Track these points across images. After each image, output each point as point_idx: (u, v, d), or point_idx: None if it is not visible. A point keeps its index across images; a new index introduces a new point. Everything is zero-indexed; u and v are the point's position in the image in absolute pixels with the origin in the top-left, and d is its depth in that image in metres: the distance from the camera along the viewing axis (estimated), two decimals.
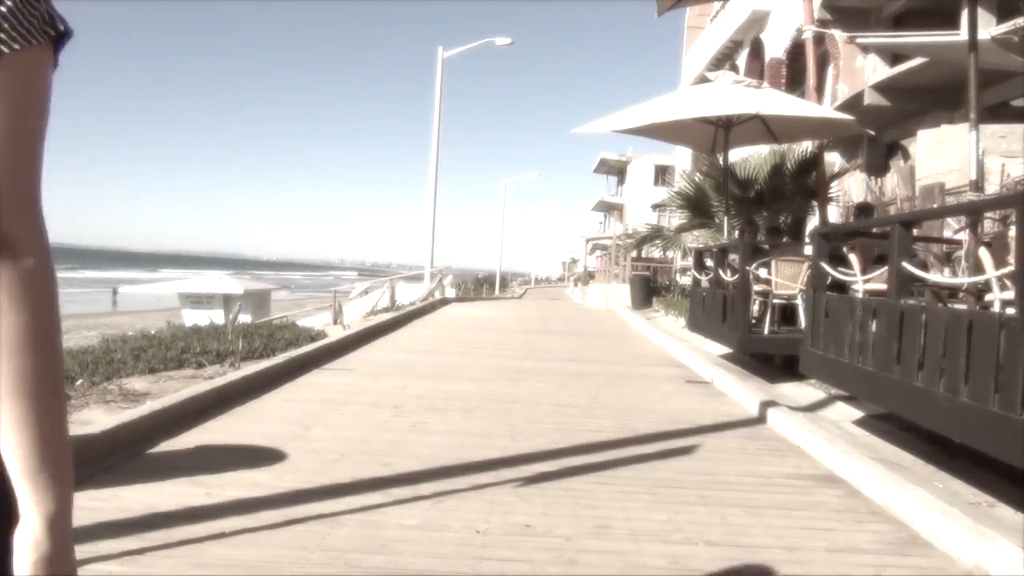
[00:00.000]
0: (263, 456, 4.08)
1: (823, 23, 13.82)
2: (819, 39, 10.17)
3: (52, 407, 0.76)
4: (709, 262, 9.19)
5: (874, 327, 4.51)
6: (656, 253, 20.39)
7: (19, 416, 0.74)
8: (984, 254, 3.93)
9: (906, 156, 14.13)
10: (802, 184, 12.74)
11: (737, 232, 9.82)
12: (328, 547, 2.88)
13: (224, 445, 4.32)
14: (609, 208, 54.50)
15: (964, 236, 4.72)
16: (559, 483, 3.81)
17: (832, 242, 5.95)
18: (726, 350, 8.67)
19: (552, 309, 20.39)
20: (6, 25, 0.74)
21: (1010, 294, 3.49)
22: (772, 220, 12.47)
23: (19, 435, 0.75)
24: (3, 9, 0.74)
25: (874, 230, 6.28)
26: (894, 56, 14.13)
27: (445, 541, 2.99)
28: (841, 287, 5.62)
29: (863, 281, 5.24)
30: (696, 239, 13.91)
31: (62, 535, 0.78)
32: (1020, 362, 3.06)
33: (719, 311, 8.17)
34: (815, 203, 11.69)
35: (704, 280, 9.24)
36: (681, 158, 30.22)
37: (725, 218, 10.78)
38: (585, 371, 7.96)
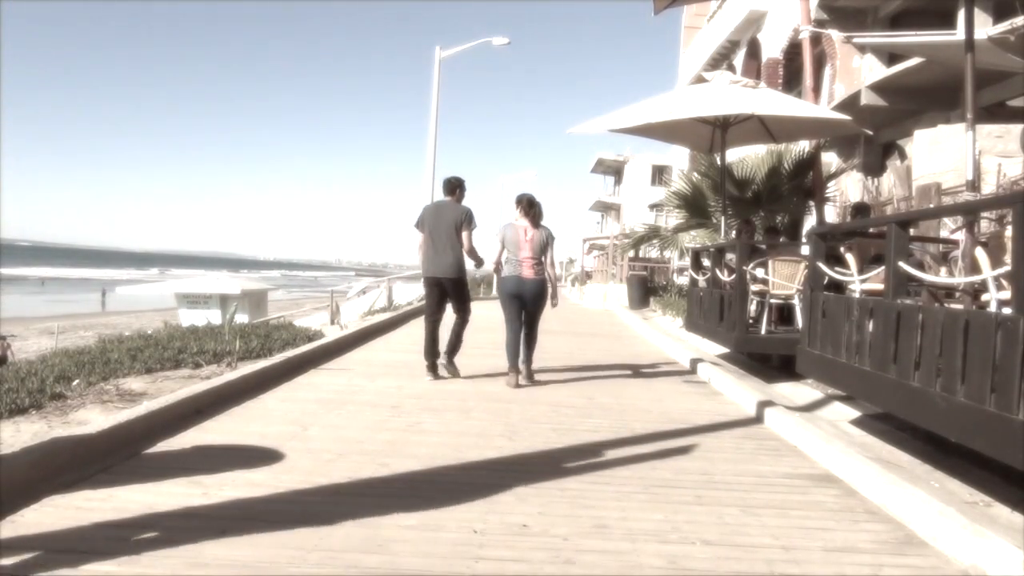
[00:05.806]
0: (260, 456, 4.08)
1: (820, 23, 13.84)
2: (816, 39, 10.17)
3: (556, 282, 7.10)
4: (706, 262, 9.20)
5: (871, 327, 4.52)
6: (653, 253, 20.38)
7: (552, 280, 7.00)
8: (980, 254, 3.94)
9: (903, 156, 14.17)
10: (799, 184, 12.76)
11: (734, 232, 9.81)
12: (326, 547, 2.88)
13: (221, 445, 4.31)
14: (606, 208, 54.52)
15: (960, 236, 4.73)
16: (556, 483, 3.81)
17: (829, 242, 5.96)
18: (723, 350, 8.68)
19: (549, 309, 20.37)
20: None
21: (1006, 294, 3.50)
22: (769, 220, 12.49)
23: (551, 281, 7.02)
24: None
25: (871, 230, 6.28)
26: (891, 56, 14.18)
27: (442, 541, 2.99)
28: (838, 287, 5.63)
29: (860, 281, 5.25)
30: (693, 239, 13.92)
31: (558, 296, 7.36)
32: (1016, 362, 3.07)
33: (716, 311, 8.18)
34: (812, 203, 11.71)
35: (701, 280, 9.24)
36: (678, 158, 30.23)
37: (722, 218, 10.78)
38: (582, 370, 7.97)
